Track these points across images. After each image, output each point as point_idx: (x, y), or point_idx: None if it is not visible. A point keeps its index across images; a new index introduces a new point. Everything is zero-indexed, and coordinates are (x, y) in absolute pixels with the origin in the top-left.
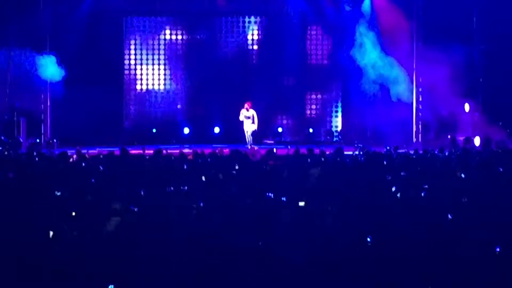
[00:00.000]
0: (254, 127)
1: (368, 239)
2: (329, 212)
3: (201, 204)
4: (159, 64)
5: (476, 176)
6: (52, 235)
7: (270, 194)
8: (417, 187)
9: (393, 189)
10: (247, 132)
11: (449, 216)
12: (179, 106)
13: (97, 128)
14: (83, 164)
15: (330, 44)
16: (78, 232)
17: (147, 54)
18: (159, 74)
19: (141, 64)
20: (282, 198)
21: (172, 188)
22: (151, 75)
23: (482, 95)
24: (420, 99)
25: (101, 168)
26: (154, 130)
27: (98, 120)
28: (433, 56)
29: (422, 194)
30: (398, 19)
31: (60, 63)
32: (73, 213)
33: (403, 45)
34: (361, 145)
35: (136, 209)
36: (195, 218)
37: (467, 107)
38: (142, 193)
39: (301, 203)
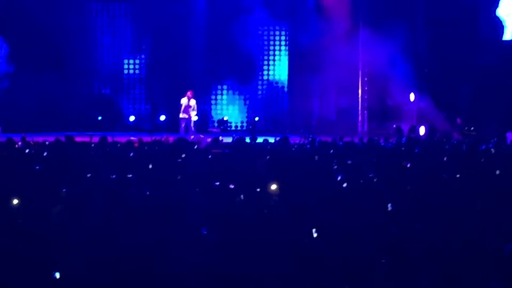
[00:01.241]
0: (195, 116)
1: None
2: (275, 200)
3: (148, 193)
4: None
5: (421, 165)
6: None
7: (216, 183)
8: (363, 176)
9: (339, 178)
10: (190, 120)
11: (389, 207)
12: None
13: (43, 115)
14: (28, 151)
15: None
16: (23, 219)
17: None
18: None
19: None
20: (230, 186)
21: (115, 176)
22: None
23: (428, 84)
24: (366, 88)
25: (45, 155)
26: (99, 118)
27: (44, 106)
28: (378, 44)
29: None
30: (342, 4)
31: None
32: (16, 201)
33: (348, 33)
34: (307, 134)
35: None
36: (142, 207)
37: (412, 97)
38: (88, 179)
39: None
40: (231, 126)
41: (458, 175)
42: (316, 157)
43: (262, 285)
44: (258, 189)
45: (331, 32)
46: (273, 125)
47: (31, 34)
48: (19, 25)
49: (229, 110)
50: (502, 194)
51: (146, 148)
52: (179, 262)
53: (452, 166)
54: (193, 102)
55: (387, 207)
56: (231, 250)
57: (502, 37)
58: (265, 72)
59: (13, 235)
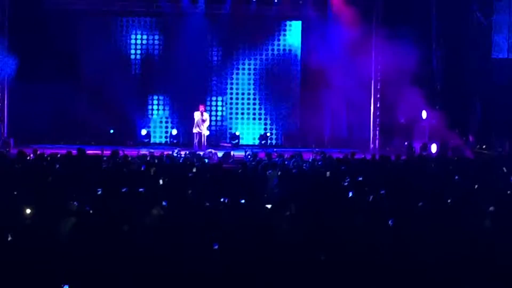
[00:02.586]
0: (207, 131)
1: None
2: (285, 216)
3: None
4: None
5: (432, 183)
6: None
7: (225, 200)
8: (374, 192)
9: (350, 194)
10: (202, 135)
11: (390, 223)
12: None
13: (53, 127)
14: (41, 164)
15: None
16: (35, 231)
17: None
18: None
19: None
20: (241, 201)
21: (126, 189)
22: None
23: (440, 102)
24: (378, 105)
25: (58, 167)
26: (111, 131)
27: (55, 118)
28: (391, 61)
29: (375, 198)
30: (355, 18)
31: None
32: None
33: (361, 48)
34: (319, 150)
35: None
36: (154, 221)
37: (424, 114)
38: (98, 193)
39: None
40: (241, 140)
41: (469, 193)
42: (328, 173)
43: None
44: (269, 206)
45: (344, 48)
46: (286, 140)
47: (45, 46)
48: (33, 37)
49: (244, 125)
50: None
51: (157, 162)
52: (191, 275)
53: (463, 184)
54: (206, 116)
55: (389, 223)
56: (241, 266)
57: None
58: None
59: (24, 247)
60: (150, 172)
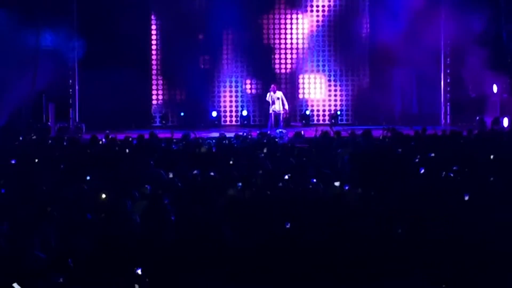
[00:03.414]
0: (283, 108)
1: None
2: (358, 194)
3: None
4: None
5: (506, 156)
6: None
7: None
8: (446, 169)
9: (422, 171)
10: (278, 114)
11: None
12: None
13: (124, 113)
14: (114, 148)
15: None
16: (106, 215)
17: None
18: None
19: (170, 46)
20: (312, 180)
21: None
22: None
23: (510, 75)
24: (448, 80)
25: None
26: (182, 114)
27: (125, 104)
28: (460, 33)
29: (451, 175)
30: None
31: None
32: (103, 196)
33: (428, 23)
34: (389, 126)
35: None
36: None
37: (495, 88)
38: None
39: (337, 183)
40: (313, 120)
41: None
42: (400, 150)
43: None
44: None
45: (411, 21)
46: (355, 117)
47: (113, 33)
48: (102, 26)
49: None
50: None
51: (227, 143)
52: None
53: None
54: (279, 94)
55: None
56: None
57: None
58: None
59: (100, 232)
60: (221, 154)
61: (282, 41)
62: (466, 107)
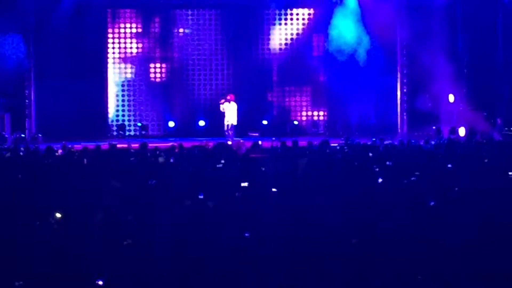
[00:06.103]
0: (235, 120)
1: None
2: (315, 205)
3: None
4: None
5: (462, 166)
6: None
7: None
8: (404, 178)
9: (380, 180)
10: (230, 125)
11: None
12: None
13: (81, 123)
14: (70, 158)
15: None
16: (65, 226)
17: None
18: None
19: (125, 57)
20: (273, 190)
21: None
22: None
23: (467, 85)
24: (405, 90)
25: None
26: (139, 124)
27: (82, 114)
28: (417, 45)
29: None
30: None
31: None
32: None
33: (386, 35)
34: (347, 136)
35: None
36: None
37: (451, 98)
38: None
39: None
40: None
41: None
42: (356, 163)
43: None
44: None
45: (369, 35)
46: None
47: (70, 42)
48: (57, 34)
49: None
50: None
51: (185, 153)
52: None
53: (493, 168)
54: (234, 106)
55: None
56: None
57: None
58: None
59: (55, 243)
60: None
61: None
62: (422, 116)
